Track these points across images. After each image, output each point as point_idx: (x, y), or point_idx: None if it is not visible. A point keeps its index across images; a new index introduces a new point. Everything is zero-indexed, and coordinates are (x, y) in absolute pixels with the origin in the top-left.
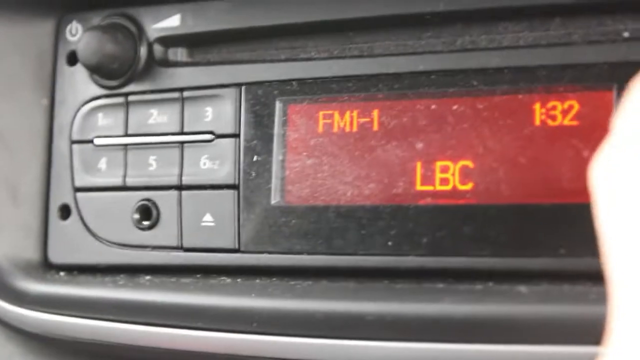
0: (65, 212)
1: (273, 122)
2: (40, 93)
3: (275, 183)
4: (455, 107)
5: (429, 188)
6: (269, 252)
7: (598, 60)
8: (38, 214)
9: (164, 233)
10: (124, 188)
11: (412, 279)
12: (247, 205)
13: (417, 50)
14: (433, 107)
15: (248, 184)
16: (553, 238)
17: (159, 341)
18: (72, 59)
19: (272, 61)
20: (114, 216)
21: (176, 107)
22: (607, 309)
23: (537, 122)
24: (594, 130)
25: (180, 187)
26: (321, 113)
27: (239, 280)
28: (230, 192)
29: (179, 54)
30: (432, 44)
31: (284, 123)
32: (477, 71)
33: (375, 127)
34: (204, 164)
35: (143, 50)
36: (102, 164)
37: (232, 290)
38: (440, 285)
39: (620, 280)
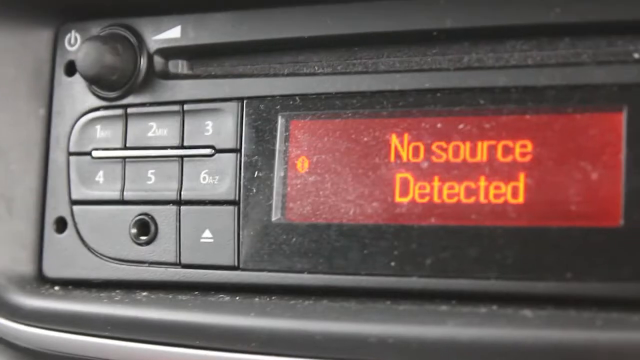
0: (61, 225)
1: (275, 137)
2: (37, 103)
3: (276, 200)
4: (461, 125)
5: (433, 208)
6: (269, 270)
7: (607, 82)
8: (33, 227)
9: (162, 249)
10: (121, 202)
11: (415, 301)
12: (247, 222)
13: (423, 67)
14: (439, 125)
15: (248, 200)
16: (559, 262)
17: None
18: (71, 70)
19: (274, 75)
20: (111, 230)
21: (176, 121)
22: (613, 335)
23: (544, 143)
24: (603, 152)
25: (179, 202)
26: (324, 129)
27: (237, 298)
28: (230, 208)
29: (180, 66)
30: (438, 61)
31: (286, 139)
32: (483, 90)
33: (379, 144)
34: (204, 179)
35: (143, 62)
36: (100, 177)
37: (230, 309)
38: (444, 308)
39: None
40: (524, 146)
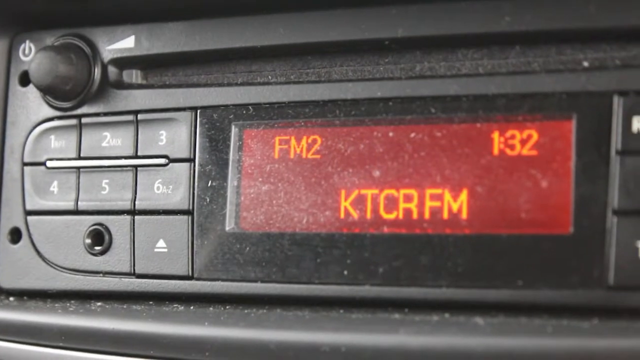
0: (15, 235)
1: (228, 146)
2: None
3: (230, 209)
4: (412, 134)
5: (385, 216)
6: (223, 280)
7: (557, 90)
8: None
9: (116, 259)
10: (76, 212)
11: (367, 309)
12: (201, 232)
13: (375, 76)
14: (390, 134)
15: (202, 209)
16: (510, 269)
17: None
18: (25, 80)
19: (228, 85)
20: (65, 241)
21: (130, 130)
22: (564, 342)
23: (496, 151)
24: (552, 160)
25: (133, 212)
26: (277, 138)
27: (192, 307)
28: (184, 218)
29: (134, 75)
30: (390, 70)
31: (240, 148)
32: (435, 98)
33: (332, 153)
34: (158, 188)
35: (97, 72)
36: (54, 187)
37: (184, 318)
38: (396, 316)
39: None
40: (475, 154)
